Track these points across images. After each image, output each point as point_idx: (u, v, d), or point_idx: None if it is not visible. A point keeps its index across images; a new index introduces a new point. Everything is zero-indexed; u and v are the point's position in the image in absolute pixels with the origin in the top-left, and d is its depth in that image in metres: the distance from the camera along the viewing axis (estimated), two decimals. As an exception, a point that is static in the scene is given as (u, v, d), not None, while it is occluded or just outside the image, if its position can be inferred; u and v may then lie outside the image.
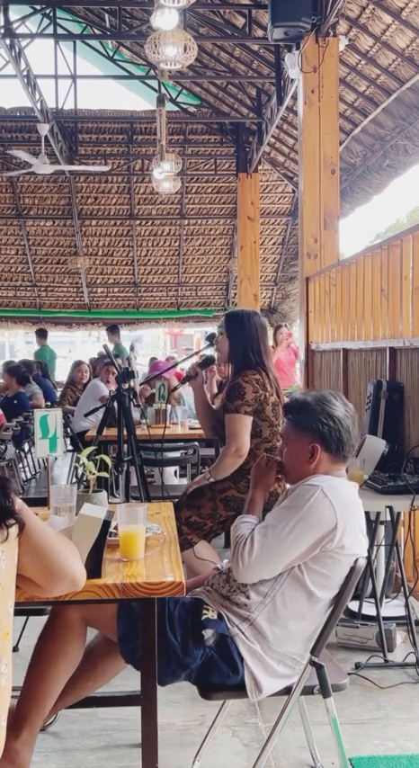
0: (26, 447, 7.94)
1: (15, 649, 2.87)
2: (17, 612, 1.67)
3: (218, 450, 5.57)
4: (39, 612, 2.48)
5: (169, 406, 5.72)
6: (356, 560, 2.20)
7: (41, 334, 13.10)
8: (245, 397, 3.45)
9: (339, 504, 2.18)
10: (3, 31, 7.95)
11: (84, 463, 2.37)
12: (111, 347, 9.59)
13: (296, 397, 2.45)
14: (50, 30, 9.13)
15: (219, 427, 3.64)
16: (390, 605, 3.87)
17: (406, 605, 3.42)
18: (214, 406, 3.91)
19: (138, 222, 13.72)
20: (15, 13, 8.97)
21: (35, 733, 2.17)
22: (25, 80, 8.87)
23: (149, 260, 14.38)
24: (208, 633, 2.20)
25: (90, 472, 2.36)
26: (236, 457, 3.47)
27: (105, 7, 9.69)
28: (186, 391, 6.71)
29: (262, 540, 2.18)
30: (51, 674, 2.19)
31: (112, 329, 12.39)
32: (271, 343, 9.63)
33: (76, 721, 2.86)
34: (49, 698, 2.20)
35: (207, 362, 3.99)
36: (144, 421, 4.91)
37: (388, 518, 3.69)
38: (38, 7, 8.90)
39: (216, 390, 5.84)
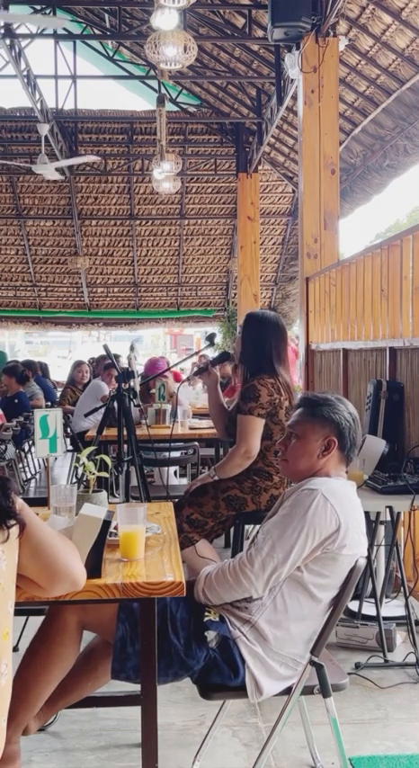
0: (26, 447, 7.94)
1: (15, 649, 2.87)
2: (17, 612, 1.67)
3: (217, 450, 5.58)
4: (39, 612, 2.48)
5: (169, 406, 5.72)
6: (356, 560, 2.20)
7: None
8: (260, 399, 3.45)
9: (340, 507, 2.17)
10: (3, 31, 7.95)
11: (84, 463, 2.37)
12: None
13: (312, 393, 2.44)
14: (50, 30, 9.13)
15: (231, 426, 3.65)
16: (390, 605, 3.87)
17: (406, 605, 3.42)
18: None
19: (138, 222, 13.72)
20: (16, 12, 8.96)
21: (20, 731, 2.19)
22: (25, 80, 8.87)
23: (149, 260, 14.39)
24: (210, 635, 2.20)
25: (90, 472, 2.35)
26: (244, 458, 3.47)
27: (105, 7, 9.69)
28: (183, 390, 6.71)
29: (269, 551, 2.17)
30: (43, 677, 2.20)
31: None
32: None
33: (76, 721, 2.86)
34: (39, 700, 2.21)
35: (220, 359, 3.97)
36: (144, 421, 4.91)
37: (388, 518, 3.69)
38: (38, 7, 8.89)
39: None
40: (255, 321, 3.67)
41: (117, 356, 6.15)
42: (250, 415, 3.46)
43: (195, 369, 4.36)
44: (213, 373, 3.79)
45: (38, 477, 8.62)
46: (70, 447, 7.97)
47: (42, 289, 14.75)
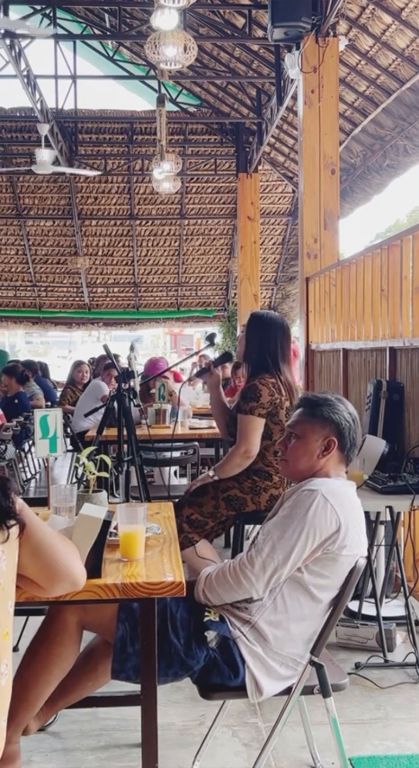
0: (26, 447, 7.94)
1: (15, 649, 2.87)
2: (17, 612, 1.67)
3: (218, 450, 5.58)
4: (39, 612, 2.48)
5: (170, 406, 5.72)
6: (356, 560, 2.20)
7: None
8: (261, 399, 3.46)
9: (340, 507, 2.17)
10: (3, 31, 7.94)
11: (84, 463, 2.37)
12: None
13: (312, 394, 2.44)
14: (50, 30, 9.13)
15: (232, 425, 3.65)
16: (390, 605, 3.87)
17: (406, 605, 3.42)
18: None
19: (138, 222, 13.72)
20: (15, 13, 8.96)
21: (20, 731, 2.19)
22: (25, 80, 8.87)
23: (149, 260, 14.39)
24: (210, 635, 2.20)
25: (90, 472, 2.35)
26: (244, 458, 3.47)
27: (105, 7, 9.69)
28: (184, 391, 6.71)
29: (270, 552, 2.16)
30: (43, 677, 2.19)
31: None
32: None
33: (76, 721, 2.86)
34: (40, 700, 2.20)
35: (222, 359, 3.98)
36: (144, 421, 4.91)
37: (388, 518, 3.69)
38: (38, 7, 8.90)
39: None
40: (260, 321, 3.67)
41: (117, 356, 6.15)
42: (250, 415, 3.47)
43: (196, 369, 4.37)
44: (215, 373, 3.80)
45: (38, 477, 8.62)
46: (70, 447, 7.98)
47: (42, 289, 14.75)
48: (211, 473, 3.59)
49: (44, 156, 9.10)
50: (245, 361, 3.69)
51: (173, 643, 2.18)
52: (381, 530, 3.79)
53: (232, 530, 3.77)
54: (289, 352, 3.68)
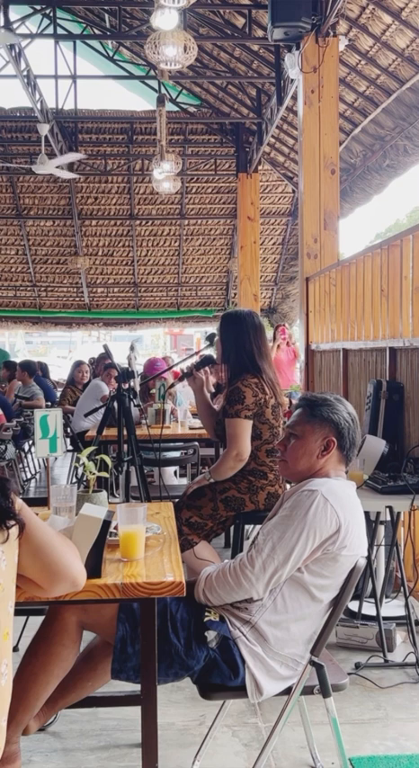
0: (26, 447, 7.95)
1: (15, 649, 2.87)
2: (17, 612, 1.67)
3: (217, 450, 5.58)
4: (39, 612, 2.48)
5: (169, 405, 5.72)
6: (357, 561, 2.20)
7: None
8: (245, 401, 3.44)
9: (340, 507, 2.17)
10: (3, 31, 7.94)
11: (84, 463, 2.37)
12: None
13: (311, 394, 2.44)
14: (50, 30, 9.13)
15: (219, 429, 3.64)
16: (390, 605, 3.87)
17: (406, 605, 3.42)
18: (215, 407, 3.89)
19: (138, 222, 13.72)
20: (15, 13, 8.97)
21: (20, 730, 2.19)
22: (25, 80, 8.87)
23: (149, 260, 14.39)
24: (210, 635, 2.20)
25: (90, 472, 2.35)
26: (236, 461, 3.47)
27: (105, 7, 9.69)
28: (184, 390, 6.72)
29: (270, 552, 2.16)
30: (43, 677, 2.19)
31: None
32: (275, 342, 9.65)
33: (76, 721, 2.86)
34: (39, 700, 2.20)
35: (203, 363, 3.97)
36: (144, 421, 4.91)
37: (388, 518, 3.69)
38: (38, 7, 8.90)
39: (213, 390, 5.82)
40: (231, 320, 3.64)
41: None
42: (237, 418, 3.45)
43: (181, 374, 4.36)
44: (198, 377, 3.78)
45: (38, 477, 8.63)
46: (70, 447, 7.98)
47: (42, 289, 14.75)
48: (207, 475, 3.59)
49: (45, 158, 9.09)
50: (223, 364, 3.62)
51: (174, 643, 2.18)
52: (381, 530, 3.79)
53: (232, 530, 3.77)
54: (264, 347, 3.61)
